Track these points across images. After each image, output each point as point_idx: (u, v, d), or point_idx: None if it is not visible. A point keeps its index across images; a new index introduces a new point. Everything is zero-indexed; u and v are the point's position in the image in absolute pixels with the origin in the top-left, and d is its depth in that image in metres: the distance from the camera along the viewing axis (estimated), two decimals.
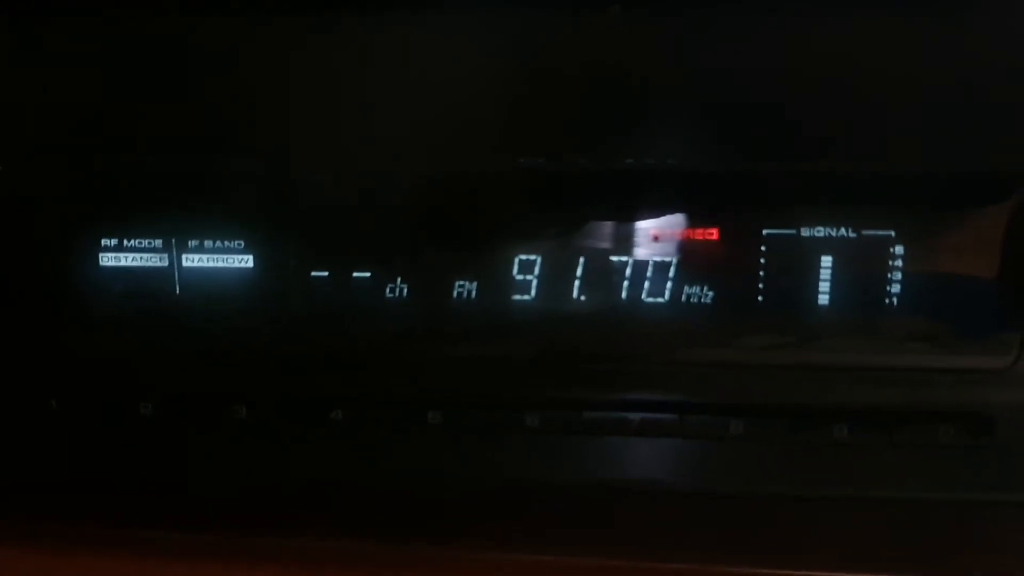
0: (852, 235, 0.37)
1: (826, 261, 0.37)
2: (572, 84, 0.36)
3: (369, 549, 0.41)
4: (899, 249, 0.37)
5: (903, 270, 0.37)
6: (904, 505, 0.40)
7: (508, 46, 0.36)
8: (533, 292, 0.39)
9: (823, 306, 0.38)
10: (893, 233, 0.37)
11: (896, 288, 0.37)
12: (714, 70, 0.36)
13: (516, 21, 0.36)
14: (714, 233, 0.38)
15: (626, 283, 0.39)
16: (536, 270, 0.39)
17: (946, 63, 0.35)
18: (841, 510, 0.41)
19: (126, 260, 0.39)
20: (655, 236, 0.38)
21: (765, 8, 0.35)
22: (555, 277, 0.38)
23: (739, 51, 0.36)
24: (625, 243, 0.38)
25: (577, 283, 0.39)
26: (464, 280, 0.39)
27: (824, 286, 0.38)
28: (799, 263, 0.38)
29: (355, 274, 0.38)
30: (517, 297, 0.39)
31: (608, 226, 0.38)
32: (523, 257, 0.38)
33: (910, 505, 0.40)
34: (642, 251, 0.38)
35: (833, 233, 0.37)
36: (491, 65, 0.37)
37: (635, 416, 0.39)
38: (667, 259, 0.38)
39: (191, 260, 0.39)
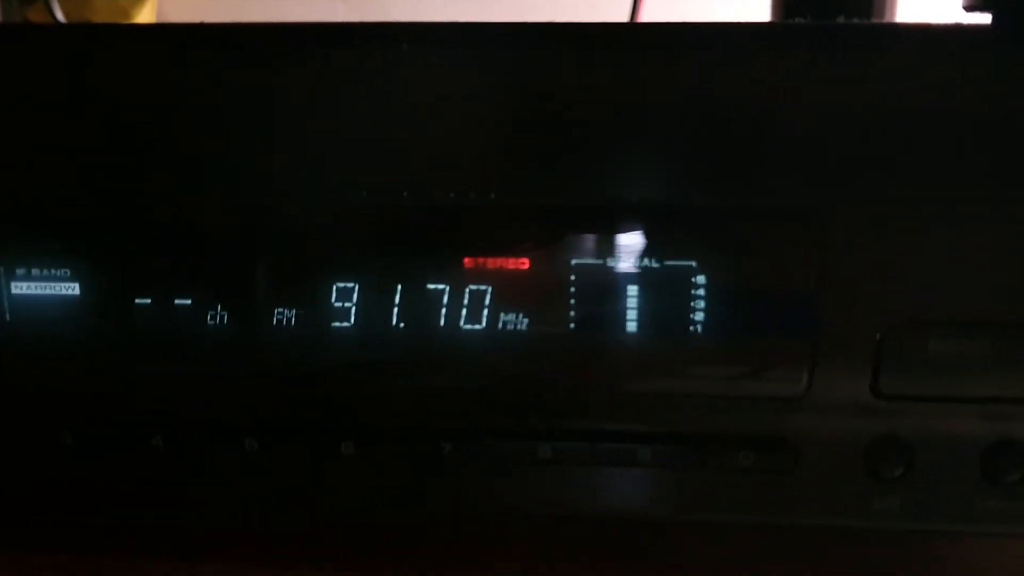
0: (655, 265, 0.38)
1: (631, 290, 0.39)
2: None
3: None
4: (700, 279, 0.38)
5: (704, 299, 0.38)
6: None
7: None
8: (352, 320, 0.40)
9: (630, 333, 0.39)
10: (694, 263, 0.38)
11: (698, 316, 0.38)
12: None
13: None
14: (525, 263, 0.39)
15: (443, 311, 0.40)
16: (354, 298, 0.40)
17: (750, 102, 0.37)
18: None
19: None
20: (468, 265, 0.39)
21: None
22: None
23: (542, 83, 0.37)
24: (442, 272, 0.40)
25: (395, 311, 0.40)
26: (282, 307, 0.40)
27: (631, 314, 0.39)
28: (606, 292, 0.39)
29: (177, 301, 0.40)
30: (336, 324, 0.40)
31: (427, 255, 0.40)
32: (341, 285, 0.40)
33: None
34: (459, 280, 0.39)
35: (637, 263, 0.38)
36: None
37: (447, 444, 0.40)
38: (482, 287, 0.39)
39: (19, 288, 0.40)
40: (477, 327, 0.40)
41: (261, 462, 0.40)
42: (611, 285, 0.39)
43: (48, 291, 0.40)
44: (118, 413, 0.41)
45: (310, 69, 0.37)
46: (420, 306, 0.40)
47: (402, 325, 0.40)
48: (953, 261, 0.36)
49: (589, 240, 0.39)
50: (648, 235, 0.38)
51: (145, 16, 0.85)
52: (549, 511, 0.41)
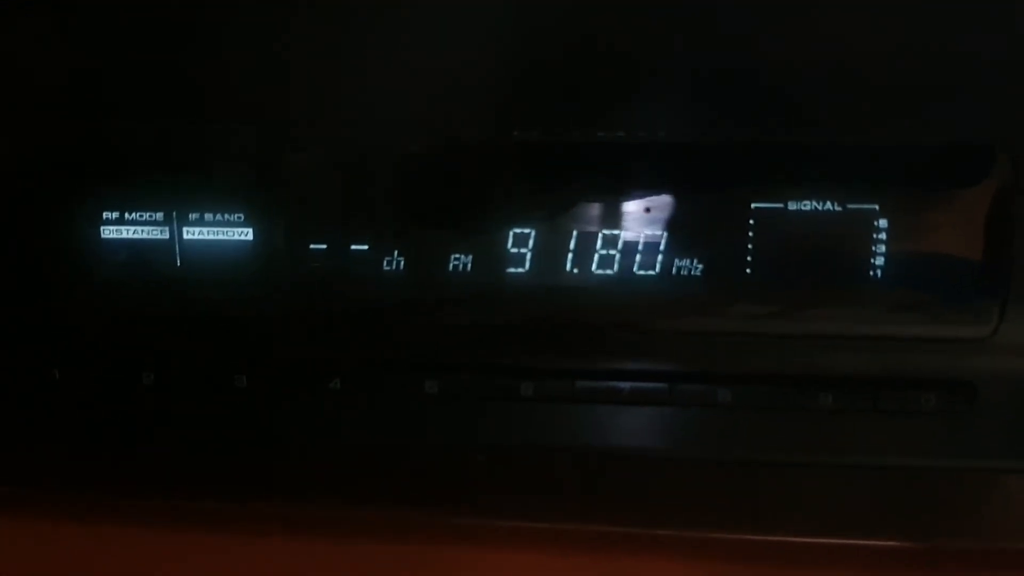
0: (837, 208, 0.38)
1: (812, 234, 0.39)
2: (565, 57, 0.37)
3: (365, 516, 0.42)
4: (882, 223, 0.38)
5: (886, 243, 0.38)
6: (891, 473, 0.41)
7: (497, 19, 0.37)
8: (527, 265, 0.40)
9: (810, 278, 0.39)
10: (877, 207, 0.38)
11: (879, 260, 0.38)
12: (697, 45, 0.37)
13: None
14: (703, 206, 0.39)
15: (618, 256, 0.40)
16: (530, 243, 0.40)
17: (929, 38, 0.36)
18: (828, 477, 0.42)
19: (128, 232, 0.40)
20: (646, 210, 0.39)
21: None
22: (549, 250, 0.39)
23: (719, 26, 0.37)
24: (616, 217, 0.39)
25: (570, 256, 0.40)
26: (459, 254, 0.40)
27: (810, 258, 0.39)
28: (786, 236, 0.39)
29: (353, 247, 0.39)
30: (512, 270, 0.40)
31: (600, 200, 0.39)
32: (518, 231, 0.39)
33: (897, 473, 0.41)
34: (633, 225, 0.39)
35: (819, 207, 0.38)
36: (482, 38, 0.37)
37: (625, 385, 0.40)
38: (657, 233, 0.39)
39: (191, 233, 0.40)
40: (651, 272, 0.39)
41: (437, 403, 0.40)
42: (791, 229, 0.38)
43: (221, 236, 0.39)
44: (293, 357, 0.40)
45: None
46: (595, 252, 0.39)
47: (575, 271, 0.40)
48: None
49: (770, 182, 0.39)
50: (830, 178, 0.38)
51: None
52: (723, 457, 0.41)
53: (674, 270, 0.39)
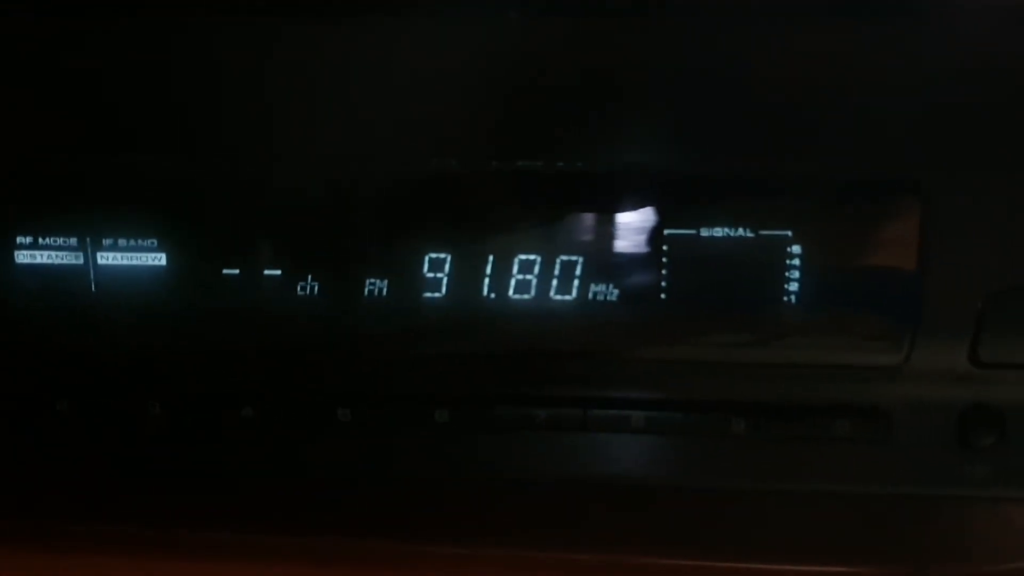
0: (749, 235, 0.38)
1: (725, 260, 0.38)
2: (484, 88, 0.38)
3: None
4: (795, 249, 0.38)
5: (799, 270, 0.38)
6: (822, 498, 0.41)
7: (411, 50, 0.37)
8: (443, 290, 0.40)
9: (723, 304, 0.39)
10: (789, 233, 0.38)
11: (793, 287, 0.38)
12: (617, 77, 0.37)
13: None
14: (619, 233, 0.39)
15: (534, 281, 0.39)
16: (446, 268, 0.39)
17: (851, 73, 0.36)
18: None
19: (41, 258, 0.40)
20: (562, 235, 0.39)
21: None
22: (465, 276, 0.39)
23: (640, 58, 0.37)
24: (532, 242, 0.39)
25: (487, 281, 0.40)
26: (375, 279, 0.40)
27: (724, 284, 0.39)
28: (699, 262, 0.39)
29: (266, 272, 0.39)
30: (428, 295, 0.40)
31: (516, 225, 0.39)
32: (433, 255, 0.39)
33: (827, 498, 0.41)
34: (549, 250, 0.39)
35: (731, 233, 0.38)
36: (396, 70, 0.37)
37: (541, 412, 0.40)
38: (573, 258, 0.39)
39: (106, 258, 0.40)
40: (568, 297, 0.39)
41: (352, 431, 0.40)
42: (705, 255, 0.38)
43: (135, 262, 0.39)
44: (206, 385, 0.40)
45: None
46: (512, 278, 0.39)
47: (492, 296, 0.39)
48: None
49: (683, 209, 0.38)
50: (743, 205, 0.38)
51: None
52: (637, 481, 0.41)
53: (591, 295, 0.39)
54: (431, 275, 0.39)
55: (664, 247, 0.38)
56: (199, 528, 0.42)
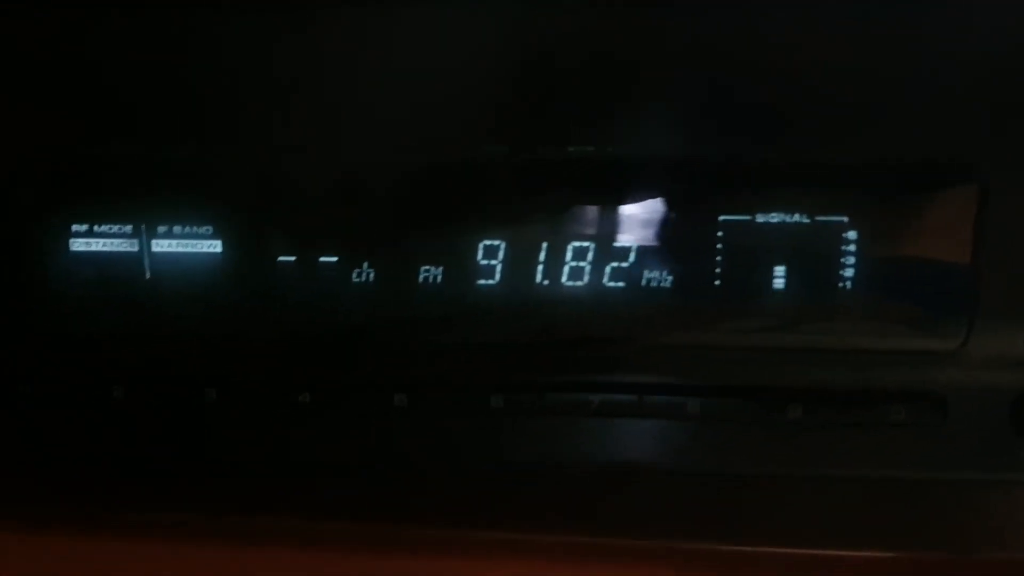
0: (805, 221, 0.38)
1: (781, 246, 0.38)
2: (530, 74, 0.38)
3: (342, 529, 0.42)
4: (851, 235, 0.38)
5: (855, 255, 0.38)
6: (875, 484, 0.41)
7: (458, 37, 0.37)
8: (497, 277, 0.40)
9: (778, 290, 0.39)
10: (846, 219, 0.38)
11: (849, 272, 0.38)
12: (663, 63, 0.37)
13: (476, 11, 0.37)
14: (672, 219, 0.39)
15: (588, 268, 0.39)
16: (500, 255, 0.39)
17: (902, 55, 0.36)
18: (814, 488, 0.42)
19: (96, 245, 0.40)
20: (616, 222, 0.39)
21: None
22: (519, 262, 0.39)
23: (685, 43, 0.37)
24: (587, 230, 0.39)
25: (540, 268, 0.40)
26: (429, 265, 0.40)
27: (779, 270, 0.39)
28: (755, 248, 0.39)
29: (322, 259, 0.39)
30: (482, 282, 0.40)
31: (570, 212, 0.39)
32: (488, 243, 0.39)
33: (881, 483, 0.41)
34: (603, 237, 0.39)
35: (787, 219, 0.38)
36: (445, 57, 0.37)
37: (595, 397, 0.40)
38: (627, 246, 0.39)
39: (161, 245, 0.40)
40: (620, 284, 0.39)
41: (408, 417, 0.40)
42: (760, 241, 0.38)
43: (191, 249, 0.39)
44: (262, 371, 0.40)
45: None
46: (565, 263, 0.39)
47: (546, 282, 0.39)
48: None
49: (738, 195, 0.38)
50: (799, 190, 0.38)
51: None
52: (690, 468, 0.41)
53: (644, 282, 0.39)
54: (485, 262, 0.39)
55: (719, 233, 0.38)
56: (253, 515, 0.42)
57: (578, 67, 0.37)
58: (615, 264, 0.39)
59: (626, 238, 0.39)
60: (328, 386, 0.40)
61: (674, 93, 0.38)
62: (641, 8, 0.37)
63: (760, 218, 0.38)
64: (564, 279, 0.39)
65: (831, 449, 0.40)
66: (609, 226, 0.39)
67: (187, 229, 0.39)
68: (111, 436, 0.41)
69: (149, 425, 0.41)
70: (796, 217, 0.38)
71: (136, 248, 0.40)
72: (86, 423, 0.41)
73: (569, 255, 0.39)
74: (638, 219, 0.39)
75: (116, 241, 0.40)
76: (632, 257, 0.39)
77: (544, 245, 0.39)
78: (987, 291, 0.37)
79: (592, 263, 0.39)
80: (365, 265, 0.39)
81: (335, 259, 0.39)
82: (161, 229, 0.39)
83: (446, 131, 0.39)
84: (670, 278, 0.39)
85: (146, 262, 0.40)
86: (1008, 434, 0.39)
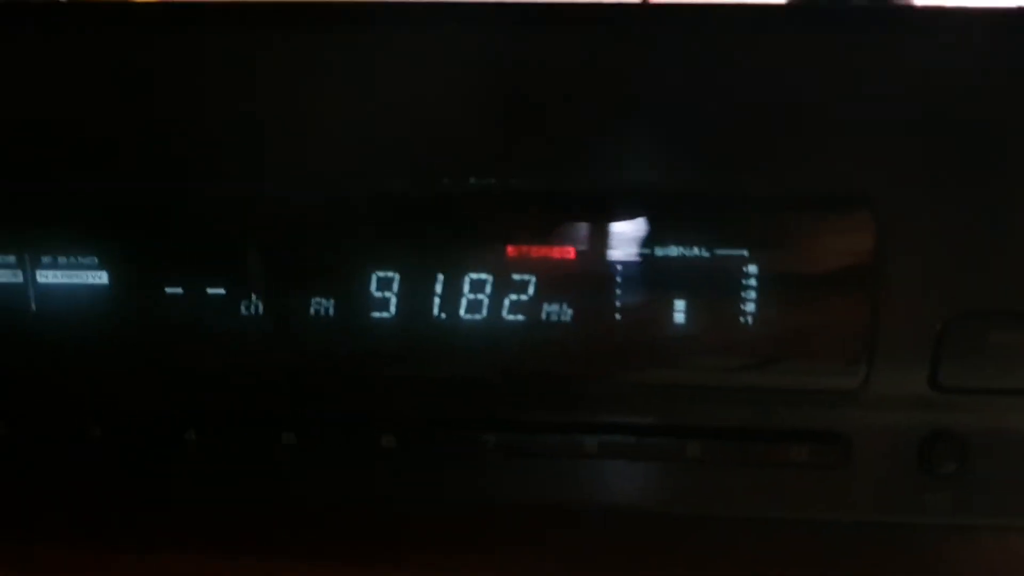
0: (705, 255, 0.37)
1: (680, 279, 0.37)
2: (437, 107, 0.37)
3: (238, 568, 0.41)
4: (751, 269, 0.37)
5: (756, 289, 0.37)
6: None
7: (364, 73, 0.37)
8: (392, 310, 0.38)
9: (678, 324, 0.38)
10: (746, 252, 0.37)
11: (749, 307, 0.37)
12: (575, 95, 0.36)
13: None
14: (570, 252, 0.38)
15: (486, 301, 0.38)
16: (394, 287, 0.38)
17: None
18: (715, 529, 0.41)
19: None
20: (513, 254, 0.38)
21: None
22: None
23: (595, 74, 0.36)
24: (482, 262, 0.38)
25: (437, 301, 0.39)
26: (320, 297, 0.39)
27: (678, 304, 0.38)
28: (654, 282, 0.38)
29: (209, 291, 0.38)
30: (376, 315, 0.38)
31: (466, 244, 0.38)
32: (381, 274, 0.38)
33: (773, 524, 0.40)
34: (500, 269, 0.38)
35: (686, 253, 0.37)
36: (339, 90, 0.37)
37: (490, 437, 0.39)
38: (525, 278, 0.38)
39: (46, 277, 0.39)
40: (520, 318, 0.38)
41: (298, 455, 0.39)
42: (659, 275, 0.37)
43: (76, 280, 0.38)
44: (149, 406, 0.39)
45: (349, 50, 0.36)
46: (459, 296, 0.38)
47: (443, 316, 0.38)
48: (1015, 249, 0.35)
49: (636, 229, 0.38)
50: (697, 224, 0.37)
51: None
52: (591, 505, 0.40)
53: (544, 315, 0.38)
54: (379, 294, 0.38)
55: (618, 267, 0.38)
56: (145, 552, 0.41)
57: (481, 99, 0.37)
58: (514, 297, 0.38)
59: (525, 270, 0.38)
60: (215, 421, 0.39)
61: (574, 125, 0.37)
62: (547, 42, 0.36)
63: (659, 251, 0.37)
64: (462, 312, 0.38)
65: (733, 488, 0.39)
66: (507, 258, 0.38)
67: (72, 260, 0.38)
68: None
69: (33, 461, 0.40)
70: (695, 250, 0.37)
71: (20, 279, 0.39)
72: None
73: (467, 287, 0.38)
74: (538, 251, 0.38)
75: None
76: (531, 290, 0.38)
77: (440, 277, 0.38)
78: (888, 328, 0.36)
79: (490, 296, 0.38)
80: (253, 297, 0.38)
81: (223, 291, 0.38)
82: (46, 260, 0.38)
83: (342, 162, 0.38)
84: (570, 312, 0.38)
85: (31, 293, 0.39)
86: (915, 475, 0.38)
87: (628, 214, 0.37)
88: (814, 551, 0.41)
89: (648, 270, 0.37)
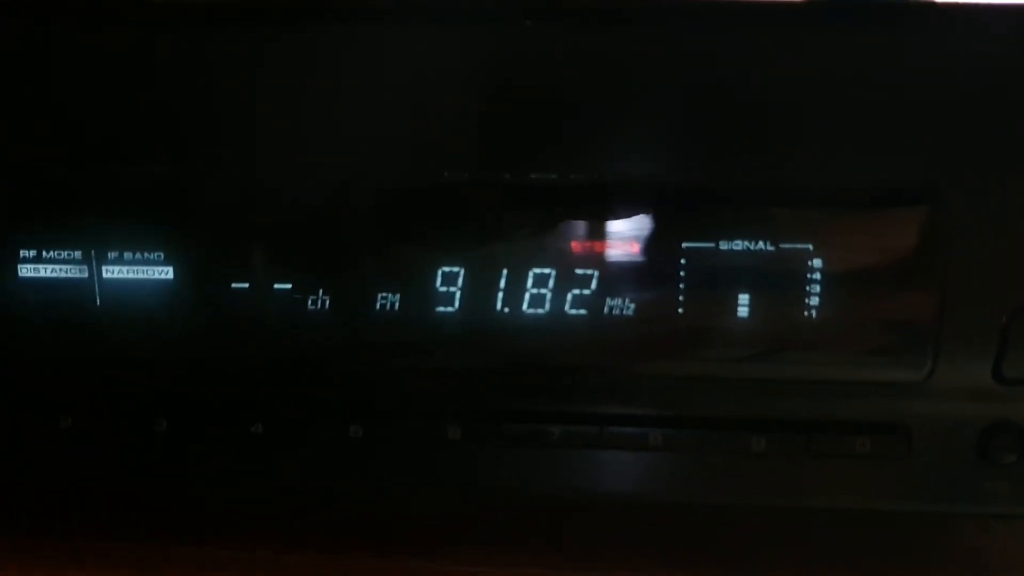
0: (770, 248, 0.37)
1: (744, 273, 0.38)
2: (492, 99, 0.37)
3: (299, 561, 0.41)
4: (816, 263, 0.37)
5: (820, 283, 0.37)
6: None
7: (419, 61, 0.37)
8: (456, 304, 0.39)
9: (742, 318, 0.38)
10: (811, 246, 0.37)
11: (813, 300, 0.37)
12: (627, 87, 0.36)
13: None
14: (634, 246, 0.38)
15: (549, 295, 0.39)
16: (459, 282, 0.39)
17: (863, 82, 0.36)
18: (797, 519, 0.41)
19: (45, 271, 0.39)
20: (577, 249, 0.38)
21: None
22: (479, 289, 0.39)
23: (650, 68, 0.36)
24: (548, 256, 0.38)
25: (500, 295, 0.39)
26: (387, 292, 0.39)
27: (742, 298, 0.38)
28: (717, 275, 0.38)
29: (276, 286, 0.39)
30: (440, 309, 0.39)
31: (531, 238, 0.39)
32: (446, 269, 0.39)
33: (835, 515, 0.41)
34: (565, 264, 0.38)
35: (751, 246, 0.37)
36: (405, 81, 0.37)
37: (556, 429, 0.39)
38: (589, 272, 0.38)
39: (111, 272, 0.39)
40: (583, 312, 0.39)
41: (366, 447, 0.39)
42: (723, 268, 0.38)
43: (140, 275, 0.39)
44: (213, 400, 0.39)
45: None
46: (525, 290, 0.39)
47: (506, 310, 0.39)
48: None
49: (702, 222, 0.38)
50: (762, 217, 0.37)
51: None
52: (652, 497, 0.40)
53: (606, 310, 0.39)
54: (444, 289, 0.39)
55: (682, 260, 0.38)
56: (204, 545, 0.41)
57: (541, 93, 0.37)
58: (577, 291, 0.39)
59: (589, 264, 0.38)
60: (282, 415, 0.39)
61: (638, 119, 0.37)
62: (603, 35, 0.36)
63: (724, 245, 0.38)
64: (525, 306, 0.39)
65: (795, 480, 0.39)
66: (570, 252, 0.38)
67: (138, 255, 0.38)
68: (58, 465, 0.40)
69: (97, 455, 0.40)
70: (760, 244, 0.37)
71: (86, 274, 0.39)
72: (34, 451, 0.40)
73: (530, 281, 0.39)
74: (601, 245, 0.38)
75: (66, 267, 0.39)
76: (594, 284, 0.38)
77: (504, 271, 0.38)
78: (953, 321, 0.37)
79: (553, 290, 0.39)
80: (320, 292, 0.38)
81: (289, 286, 0.38)
82: (112, 255, 0.39)
83: (404, 156, 0.38)
84: (632, 306, 0.38)
85: (96, 288, 0.39)
86: (975, 466, 0.38)
87: (692, 209, 0.38)
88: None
89: (713, 264, 0.37)
